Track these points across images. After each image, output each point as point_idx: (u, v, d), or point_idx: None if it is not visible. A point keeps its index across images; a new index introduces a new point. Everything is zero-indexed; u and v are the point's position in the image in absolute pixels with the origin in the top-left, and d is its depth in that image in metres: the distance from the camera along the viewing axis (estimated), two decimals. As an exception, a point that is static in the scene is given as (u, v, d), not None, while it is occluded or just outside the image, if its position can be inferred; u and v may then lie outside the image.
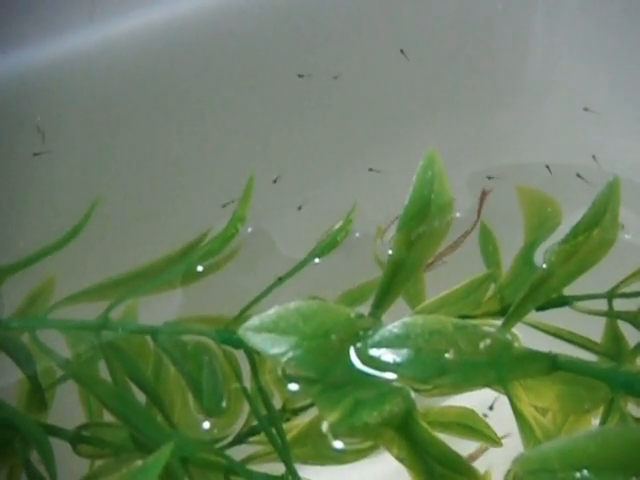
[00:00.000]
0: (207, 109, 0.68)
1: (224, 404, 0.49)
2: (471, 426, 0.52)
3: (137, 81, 0.66)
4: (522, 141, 0.73)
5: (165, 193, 0.66)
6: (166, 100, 0.67)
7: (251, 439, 0.51)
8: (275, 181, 0.65)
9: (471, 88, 0.73)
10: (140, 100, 0.66)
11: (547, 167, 0.67)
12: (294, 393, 0.47)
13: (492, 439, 0.52)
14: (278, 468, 0.47)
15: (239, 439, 0.51)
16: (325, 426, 0.47)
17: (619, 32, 0.72)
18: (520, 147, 0.73)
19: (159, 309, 0.55)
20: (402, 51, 0.71)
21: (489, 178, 0.68)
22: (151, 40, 0.65)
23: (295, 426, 0.51)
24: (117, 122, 0.66)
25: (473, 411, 0.52)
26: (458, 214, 0.52)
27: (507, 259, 0.55)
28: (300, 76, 0.69)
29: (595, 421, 0.47)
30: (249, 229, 0.63)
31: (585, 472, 0.36)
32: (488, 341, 0.42)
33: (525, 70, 0.74)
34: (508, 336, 0.44)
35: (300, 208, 0.66)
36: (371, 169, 0.69)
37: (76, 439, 0.49)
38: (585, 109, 0.71)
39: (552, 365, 0.43)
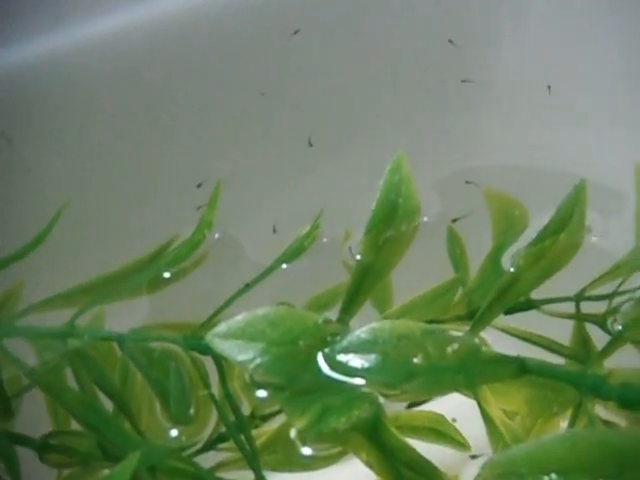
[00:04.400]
0: (177, 112, 0.68)
1: (192, 411, 0.49)
2: (440, 431, 0.52)
3: (106, 84, 0.66)
4: (489, 144, 0.74)
5: (133, 198, 0.66)
6: (135, 103, 0.67)
7: (221, 446, 0.51)
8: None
9: (438, 90, 0.73)
10: (109, 103, 0.66)
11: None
12: (262, 400, 0.47)
13: (461, 444, 0.52)
14: (249, 475, 0.47)
15: (208, 446, 0.51)
16: (293, 433, 0.47)
17: (592, 30, 0.72)
18: (487, 150, 0.73)
19: (126, 316, 0.55)
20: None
21: (468, 183, 0.68)
22: (119, 44, 0.65)
23: (264, 432, 0.50)
24: (85, 126, 0.65)
25: (442, 416, 0.52)
26: (426, 218, 0.52)
27: (476, 263, 0.55)
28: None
29: (563, 424, 0.47)
30: (216, 235, 0.62)
31: (553, 475, 0.36)
32: (456, 345, 0.42)
33: (495, 71, 0.75)
34: (476, 340, 0.44)
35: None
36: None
37: (43, 448, 0.48)
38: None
39: (520, 369, 0.43)
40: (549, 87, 0.71)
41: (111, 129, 0.66)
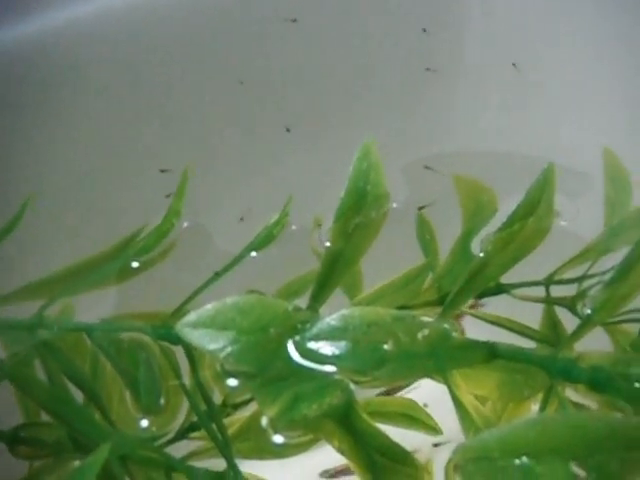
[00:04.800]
0: (150, 98, 0.67)
1: (162, 401, 0.49)
2: (412, 416, 0.52)
3: (77, 69, 0.65)
4: (456, 128, 0.74)
5: (101, 188, 0.66)
6: (108, 89, 0.66)
7: (194, 434, 0.51)
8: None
9: (405, 75, 0.73)
10: (79, 89, 0.65)
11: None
12: (233, 388, 0.46)
13: (433, 428, 0.52)
14: (222, 463, 0.47)
15: (180, 435, 0.51)
16: (265, 421, 0.47)
17: (560, 15, 0.72)
18: (455, 134, 0.73)
19: (95, 306, 0.55)
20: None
21: (426, 168, 0.68)
22: (84, 30, 0.65)
23: (237, 420, 0.50)
24: (56, 114, 0.65)
25: (414, 401, 0.52)
26: (395, 204, 0.52)
27: (446, 248, 0.56)
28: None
29: (535, 407, 0.48)
30: (185, 224, 0.62)
31: (524, 459, 0.37)
32: (426, 331, 0.42)
33: (461, 55, 0.74)
34: (446, 326, 0.44)
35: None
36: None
37: (13, 440, 0.48)
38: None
39: (490, 354, 0.43)
40: (514, 65, 0.71)
41: (82, 115, 0.66)
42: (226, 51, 0.69)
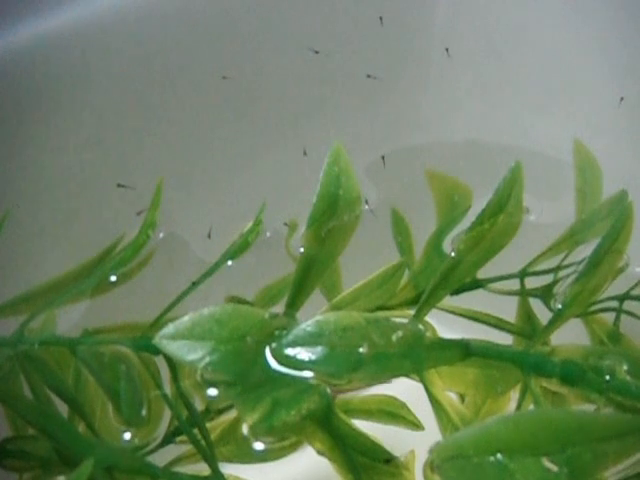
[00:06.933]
0: (112, 112, 0.67)
1: (144, 413, 0.49)
2: (393, 412, 0.53)
3: (49, 82, 0.65)
4: (427, 122, 0.74)
5: (76, 202, 0.66)
6: (74, 102, 0.66)
7: (180, 438, 0.51)
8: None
9: (374, 72, 0.73)
10: (51, 100, 0.65)
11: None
12: (213, 398, 0.47)
13: (414, 424, 0.53)
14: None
15: (167, 440, 0.51)
16: (245, 428, 0.48)
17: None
18: (425, 128, 0.73)
19: (75, 318, 0.55)
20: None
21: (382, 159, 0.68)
22: (59, 42, 0.64)
23: (221, 423, 0.51)
24: (29, 130, 0.65)
25: (394, 398, 0.53)
26: (366, 207, 0.52)
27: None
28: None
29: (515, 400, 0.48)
30: (161, 234, 0.62)
31: (499, 456, 0.37)
32: (400, 333, 0.43)
33: (429, 46, 0.74)
34: (420, 326, 0.44)
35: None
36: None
37: (1, 453, 0.49)
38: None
39: (465, 351, 0.44)
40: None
41: (52, 129, 0.66)
42: (202, 54, 0.69)
